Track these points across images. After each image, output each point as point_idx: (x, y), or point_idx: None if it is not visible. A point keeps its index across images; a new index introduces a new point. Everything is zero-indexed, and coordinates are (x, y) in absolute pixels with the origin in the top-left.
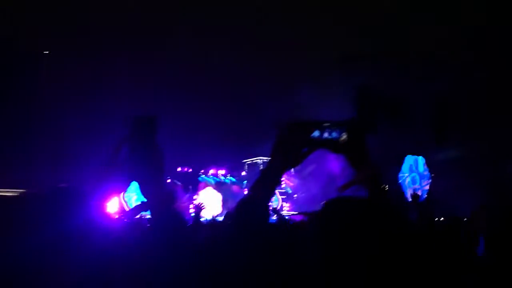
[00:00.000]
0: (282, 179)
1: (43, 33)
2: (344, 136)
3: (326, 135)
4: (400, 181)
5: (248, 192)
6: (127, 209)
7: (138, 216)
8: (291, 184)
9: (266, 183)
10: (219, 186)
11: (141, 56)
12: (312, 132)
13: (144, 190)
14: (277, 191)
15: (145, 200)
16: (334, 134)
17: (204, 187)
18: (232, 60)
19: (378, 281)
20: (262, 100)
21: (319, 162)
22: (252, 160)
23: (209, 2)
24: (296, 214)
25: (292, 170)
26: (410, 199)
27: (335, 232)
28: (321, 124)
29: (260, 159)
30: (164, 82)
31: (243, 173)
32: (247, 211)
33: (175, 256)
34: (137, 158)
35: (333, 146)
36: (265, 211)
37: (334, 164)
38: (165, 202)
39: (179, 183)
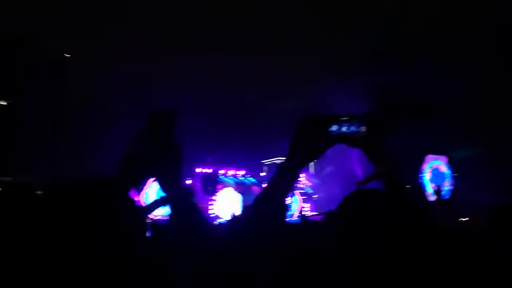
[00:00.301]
0: (300, 176)
1: (64, 35)
2: (362, 130)
3: (344, 129)
4: (421, 180)
5: (265, 188)
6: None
7: (156, 213)
8: (311, 184)
9: (283, 178)
10: (239, 186)
11: (160, 56)
12: (330, 126)
13: (162, 184)
14: (297, 192)
15: (164, 195)
16: (353, 128)
17: (224, 188)
18: (251, 59)
19: (395, 275)
20: (282, 100)
21: (339, 161)
22: (271, 161)
23: (225, 2)
24: (317, 214)
25: (312, 170)
26: (431, 198)
27: (353, 225)
28: (340, 118)
29: (280, 160)
30: (182, 83)
31: (263, 174)
32: (263, 207)
33: (195, 252)
34: (155, 153)
35: (351, 140)
36: (282, 207)
37: (355, 163)
38: (185, 196)
39: (198, 184)
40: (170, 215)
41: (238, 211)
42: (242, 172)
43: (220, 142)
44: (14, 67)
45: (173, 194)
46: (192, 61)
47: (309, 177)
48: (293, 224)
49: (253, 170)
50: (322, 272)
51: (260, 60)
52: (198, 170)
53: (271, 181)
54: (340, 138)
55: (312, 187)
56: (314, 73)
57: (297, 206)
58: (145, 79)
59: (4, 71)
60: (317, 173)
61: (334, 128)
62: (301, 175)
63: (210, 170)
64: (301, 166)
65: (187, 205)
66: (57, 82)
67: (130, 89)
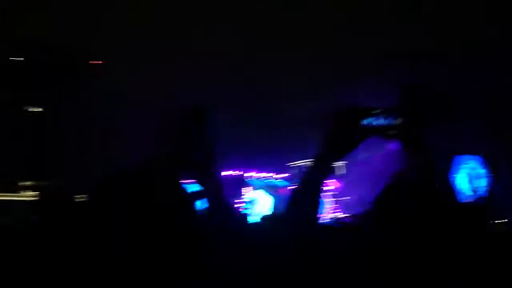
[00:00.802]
0: (330, 177)
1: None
2: (397, 122)
3: (378, 121)
4: (452, 181)
5: (297, 184)
6: None
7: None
8: (339, 185)
9: (317, 173)
10: (269, 188)
11: (185, 55)
12: (364, 119)
13: (199, 178)
14: (327, 193)
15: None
16: (387, 120)
17: (253, 190)
18: (276, 61)
19: (432, 269)
20: (310, 101)
21: (370, 162)
22: (299, 164)
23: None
24: (346, 216)
25: (343, 171)
26: (463, 200)
27: (390, 218)
28: (373, 110)
29: (307, 162)
30: (209, 84)
31: (288, 175)
32: (297, 204)
33: (232, 245)
34: (189, 147)
35: (385, 132)
36: (316, 203)
37: (387, 163)
38: (221, 190)
39: (225, 187)
40: (208, 209)
41: (266, 213)
42: (269, 175)
43: (246, 144)
44: (43, 73)
45: (210, 187)
46: (217, 60)
47: (337, 179)
48: (325, 225)
49: (279, 173)
50: (360, 270)
51: (285, 61)
52: (224, 173)
53: (304, 177)
54: (375, 131)
55: (342, 188)
56: (341, 73)
57: (327, 207)
58: (169, 78)
59: (34, 77)
60: (347, 174)
61: (368, 121)
62: (331, 177)
63: (236, 173)
64: (335, 160)
65: (224, 198)
66: (86, 86)
67: (156, 89)
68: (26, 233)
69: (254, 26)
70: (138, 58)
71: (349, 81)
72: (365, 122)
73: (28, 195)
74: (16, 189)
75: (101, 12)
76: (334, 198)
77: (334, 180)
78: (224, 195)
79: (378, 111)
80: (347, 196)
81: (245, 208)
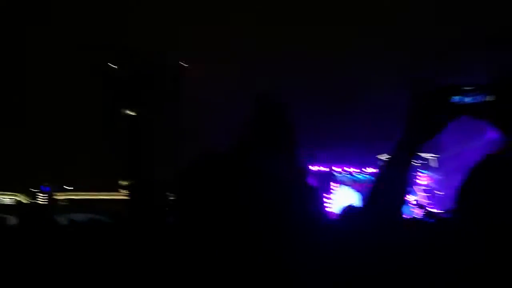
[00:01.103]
0: (422, 171)
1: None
2: (490, 99)
3: (468, 99)
4: None
5: (379, 173)
6: None
7: None
8: (433, 179)
9: (400, 159)
10: (355, 183)
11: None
12: (454, 96)
13: (276, 165)
14: (417, 187)
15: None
16: (478, 98)
17: (340, 185)
18: (362, 51)
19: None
20: (396, 94)
21: (462, 155)
22: (386, 156)
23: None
24: (439, 212)
25: (435, 164)
26: None
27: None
28: (462, 87)
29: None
30: (297, 83)
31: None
32: (379, 195)
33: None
34: (265, 134)
35: (477, 111)
36: (399, 194)
37: (480, 155)
38: (302, 177)
39: (313, 183)
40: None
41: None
42: (357, 169)
43: (336, 139)
44: (136, 79)
45: (289, 173)
46: (305, 55)
47: (432, 173)
48: (414, 219)
49: (368, 167)
50: (447, 269)
51: (373, 52)
52: (312, 168)
53: (387, 163)
54: (464, 109)
55: (434, 183)
56: (433, 62)
57: (415, 200)
58: (253, 72)
59: (128, 83)
60: (441, 168)
61: (458, 98)
62: (422, 171)
63: (324, 168)
64: (422, 143)
65: (304, 186)
66: (175, 89)
67: (241, 84)
68: (118, 228)
69: (342, 22)
70: (218, 58)
71: (437, 70)
72: (455, 99)
73: (125, 194)
74: (116, 188)
75: (180, 19)
76: (426, 193)
77: (426, 174)
78: (304, 183)
79: (469, 88)
80: (440, 191)
81: (331, 203)
